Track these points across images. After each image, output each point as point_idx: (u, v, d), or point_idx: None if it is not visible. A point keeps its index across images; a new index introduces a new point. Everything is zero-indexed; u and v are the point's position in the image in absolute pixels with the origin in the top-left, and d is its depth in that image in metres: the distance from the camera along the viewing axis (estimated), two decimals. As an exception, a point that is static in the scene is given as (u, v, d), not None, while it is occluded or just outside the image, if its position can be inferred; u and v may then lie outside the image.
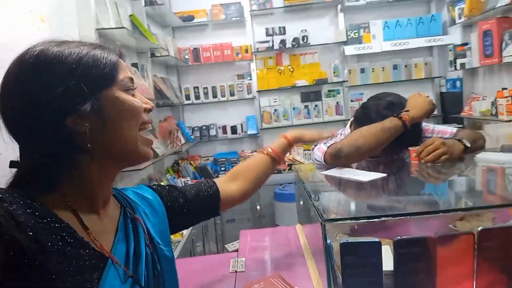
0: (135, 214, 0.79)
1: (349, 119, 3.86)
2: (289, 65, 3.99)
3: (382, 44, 3.81)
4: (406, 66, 3.91)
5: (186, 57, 3.94)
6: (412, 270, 0.80)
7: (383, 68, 3.91)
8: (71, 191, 0.66)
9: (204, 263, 1.38)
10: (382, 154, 1.49)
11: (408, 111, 1.39)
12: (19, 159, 0.66)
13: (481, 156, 1.38)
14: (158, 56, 3.22)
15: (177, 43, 3.96)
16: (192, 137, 3.96)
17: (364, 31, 3.86)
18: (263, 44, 3.95)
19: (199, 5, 3.96)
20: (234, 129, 4.08)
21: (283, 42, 3.89)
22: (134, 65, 2.73)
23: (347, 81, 3.95)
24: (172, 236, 0.94)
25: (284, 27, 3.95)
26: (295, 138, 1.19)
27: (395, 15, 3.90)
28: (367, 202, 1.15)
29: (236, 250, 1.43)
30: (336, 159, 1.39)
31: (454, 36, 3.61)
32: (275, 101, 4.04)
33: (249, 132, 4.01)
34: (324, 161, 1.45)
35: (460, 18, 3.25)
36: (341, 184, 1.29)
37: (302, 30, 3.90)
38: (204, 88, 4.00)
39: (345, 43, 3.89)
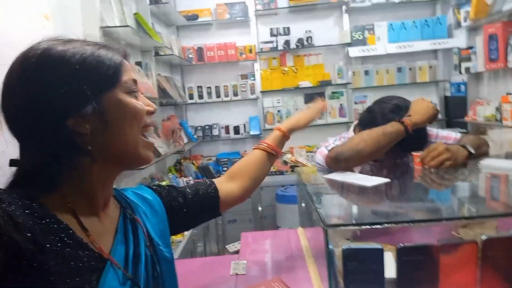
0: (135, 215, 0.79)
1: (352, 122, 3.85)
2: (293, 66, 3.98)
3: (387, 46, 3.79)
4: (410, 69, 3.90)
5: (190, 56, 3.94)
6: (415, 278, 0.79)
7: (387, 70, 3.90)
8: (71, 192, 0.65)
9: (205, 265, 1.38)
10: (384, 158, 1.48)
11: (410, 116, 1.38)
12: (19, 158, 0.66)
13: (485, 162, 1.37)
14: (162, 55, 3.22)
15: (181, 42, 3.96)
16: (195, 136, 3.96)
17: (368, 33, 3.85)
18: (267, 44, 3.94)
19: (204, 4, 3.96)
20: (237, 129, 4.08)
21: (287, 42, 3.89)
22: (138, 63, 2.73)
23: (351, 83, 3.94)
24: (173, 236, 0.93)
25: (288, 28, 3.94)
26: (290, 129, 1.16)
27: (400, 17, 3.88)
28: (370, 207, 1.14)
29: (237, 251, 1.43)
30: (336, 162, 1.39)
31: (459, 40, 3.59)
32: (279, 102, 4.04)
33: (252, 133, 4.01)
34: (325, 164, 1.44)
35: (465, 21, 3.23)
36: (343, 188, 1.28)
37: (306, 31, 3.90)
38: (207, 87, 4.00)
39: (349, 44, 3.88)
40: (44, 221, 0.59)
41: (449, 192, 1.24)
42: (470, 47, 3.24)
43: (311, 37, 3.89)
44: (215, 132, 4.06)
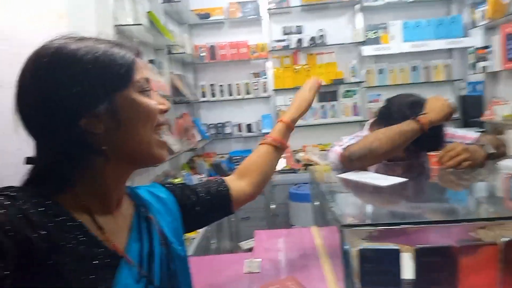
0: (149, 213, 0.78)
1: (366, 120, 3.82)
2: (306, 65, 3.95)
3: (401, 45, 3.74)
4: (425, 68, 3.84)
5: (203, 54, 3.94)
6: (433, 279, 0.77)
7: (401, 69, 3.85)
8: (84, 191, 0.65)
9: (218, 262, 1.38)
10: (399, 157, 1.46)
11: (426, 114, 1.35)
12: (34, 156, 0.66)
13: (504, 163, 1.34)
14: (175, 53, 3.23)
15: (193, 40, 3.97)
16: (208, 134, 3.96)
17: (382, 32, 3.80)
18: (279, 43, 3.93)
19: (216, 3, 3.96)
20: (249, 127, 4.07)
21: (299, 41, 3.86)
22: (151, 62, 2.74)
23: (364, 81, 3.90)
24: (187, 233, 0.93)
25: (301, 26, 3.92)
26: (293, 118, 1.13)
27: (414, 15, 3.83)
28: (386, 207, 1.12)
29: (250, 249, 1.42)
30: (350, 162, 1.37)
31: (475, 39, 3.53)
32: (291, 100, 4.00)
33: (264, 131, 3.99)
34: (339, 163, 1.42)
35: (481, 20, 3.17)
36: (359, 188, 1.26)
37: (319, 30, 3.87)
38: (220, 85, 4.01)
39: (363, 43, 3.84)
40: (58, 219, 0.58)
41: (467, 192, 1.22)
42: (487, 46, 3.19)
43: (324, 35, 3.86)
44: (228, 130, 4.06)
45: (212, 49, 3.95)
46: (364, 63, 3.93)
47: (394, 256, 0.77)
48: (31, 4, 1.16)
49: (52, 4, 1.38)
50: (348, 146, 1.41)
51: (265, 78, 4.01)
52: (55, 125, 0.62)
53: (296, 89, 3.88)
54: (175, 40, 3.08)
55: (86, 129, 0.62)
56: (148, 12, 2.71)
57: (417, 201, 1.18)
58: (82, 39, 0.65)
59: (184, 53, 3.35)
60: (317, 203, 1.39)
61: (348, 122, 3.95)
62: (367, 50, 3.79)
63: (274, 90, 3.98)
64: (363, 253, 0.77)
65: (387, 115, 1.46)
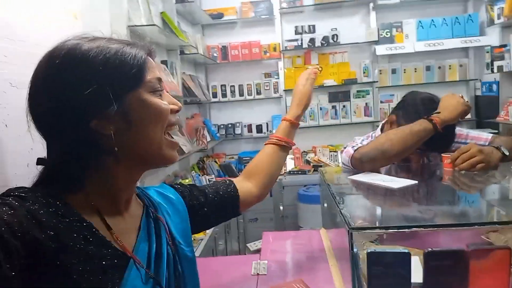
0: (158, 214, 0.79)
1: (378, 121, 3.78)
2: (318, 64, 3.93)
3: (415, 44, 3.70)
4: (439, 67, 3.79)
5: (215, 54, 3.95)
6: (442, 284, 0.76)
7: (415, 69, 3.80)
8: (94, 191, 0.66)
9: (226, 264, 1.38)
10: (412, 158, 1.44)
11: (439, 112, 1.33)
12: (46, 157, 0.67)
13: (519, 165, 1.31)
14: (187, 54, 3.24)
15: (206, 40, 3.98)
16: (218, 135, 3.97)
17: (396, 31, 3.76)
18: (291, 42, 3.91)
19: (229, 3, 3.96)
20: (259, 128, 4.07)
21: (312, 40, 3.84)
22: (164, 62, 2.76)
23: (377, 81, 3.86)
24: (195, 234, 0.93)
25: (313, 26, 3.90)
26: (297, 115, 1.11)
27: (429, 14, 3.77)
28: (396, 210, 1.10)
29: (258, 250, 1.41)
30: (361, 163, 1.35)
31: (492, 37, 3.46)
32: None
33: (274, 132, 3.98)
34: (351, 165, 1.41)
35: (499, 18, 3.11)
36: (369, 190, 1.25)
37: (332, 29, 3.84)
38: (231, 86, 4.01)
39: (376, 42, 3.80)
40: (67, 220, 0.59)
41: (480, 195, 1.19)
42: (504, 45, 3.13)
43: (336, 35, 3.83)
44: (238, 130, 4.06)
45: (224, 50, 3.96)
46: (377, 63, 3.89)
47: (404, 260, 0.76)
48: (45, 5, 1.18)
49: (67, 5, 1.39)
50: (359, 148, 1.39)
51: (277, 78, 4.00)
52: (65, 125, 0.62)
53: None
54: (187, 41, 3.10)
55: (97, 130, 0.62)
56: (162, 12, 2.73)
57: (428, 203, 1.16)
58: (94, 39, 0.65)
59: (196, 53, 3.36)
60: (326, 204, 1.38)
61: (360, 123, 3.92)
62: (381, 50, 3.75)
63: (285, 90, 3.97)
64: (372, 256, 0.76)
65: (404, 113, 1.44)
